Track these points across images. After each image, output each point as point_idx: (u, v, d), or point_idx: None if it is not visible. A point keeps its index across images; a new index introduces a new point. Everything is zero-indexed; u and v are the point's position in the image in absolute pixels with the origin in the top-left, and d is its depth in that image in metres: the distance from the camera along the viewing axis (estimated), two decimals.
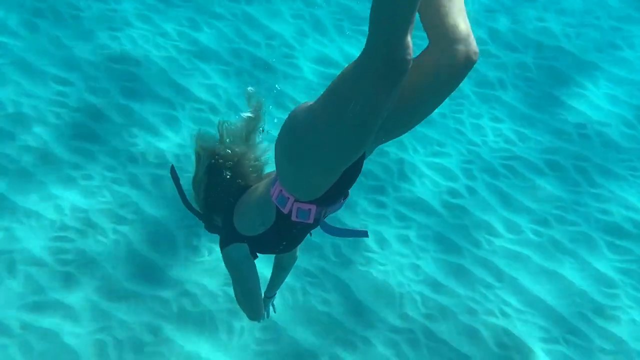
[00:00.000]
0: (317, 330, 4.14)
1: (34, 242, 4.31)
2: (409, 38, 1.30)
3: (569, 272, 4.79)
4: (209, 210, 2.10)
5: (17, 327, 3.85)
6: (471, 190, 5.30)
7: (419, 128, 2.83)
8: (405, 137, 5.76)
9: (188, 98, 5.61)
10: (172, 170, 2.09)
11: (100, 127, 5.15)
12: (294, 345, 4.01)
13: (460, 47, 1.46)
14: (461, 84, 1.59)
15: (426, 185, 5.47)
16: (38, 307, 4.00)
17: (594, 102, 6.27)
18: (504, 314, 4.44)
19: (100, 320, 3.98)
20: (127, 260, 4.32)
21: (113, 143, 5.07)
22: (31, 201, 4.54)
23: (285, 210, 1.73)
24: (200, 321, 4.06)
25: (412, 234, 5.01)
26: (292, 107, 3.56)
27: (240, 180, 2.01)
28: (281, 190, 1.71)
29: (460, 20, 1.47)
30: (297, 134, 1.53)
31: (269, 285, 2.69)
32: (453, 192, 5.31)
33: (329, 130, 1.45)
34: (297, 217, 1.72)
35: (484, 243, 5.01)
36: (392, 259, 4.78)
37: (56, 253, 4.29)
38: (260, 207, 1.84)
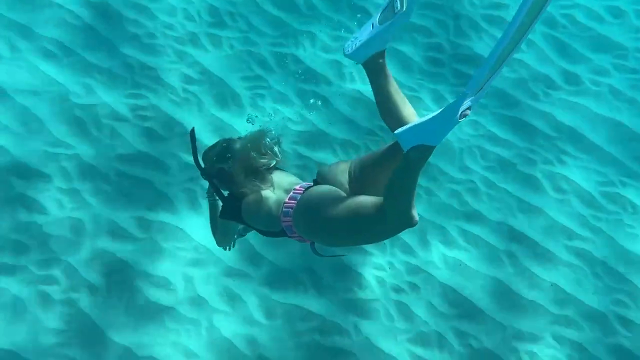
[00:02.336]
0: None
1: (113, 98, 4.56)
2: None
3: (627, 118, 4.82)
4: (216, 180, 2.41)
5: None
6: (529, 43, 5.22)
7: None
8: None
9: None
10: (192, 133, 2.43)
11: None
12: None
13: None
14: None
15: (484, 40, 5.38)
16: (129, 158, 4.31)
17: None
18: (562, 162, 4.59)
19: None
20: (200, 118, 4.58)
21: None
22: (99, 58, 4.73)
23: (289, 235, 2.19)
24: None
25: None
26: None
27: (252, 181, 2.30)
28: (291, 225, 2.13)
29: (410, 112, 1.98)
30: (317, 221, 2.02)
31: None
32: None
33: (341, 233, 2.00)
34: (295, 238, 2.18)
35: (541, 96, 5.03)
36: None
37: (134, 109, 4.55)
38: (270, 220, 2.21)
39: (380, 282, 3.74)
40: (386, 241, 4.05)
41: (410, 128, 1.65)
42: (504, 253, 4.01)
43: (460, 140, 4.67)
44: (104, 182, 4.05)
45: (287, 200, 2.19)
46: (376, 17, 1.98)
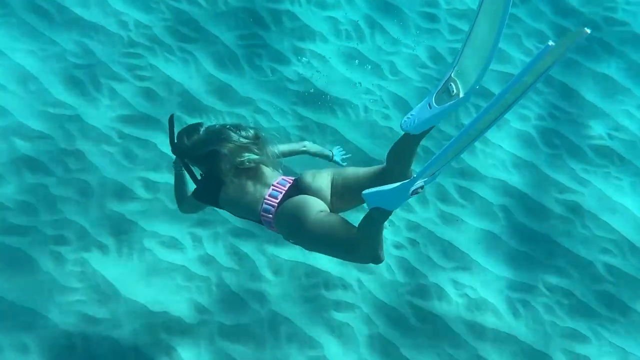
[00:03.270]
0: (381, 142, 4.50)
1: (110, 57, 4.54)
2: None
3: (615, 72, 4.94)
4: (193, 162, 2.57)
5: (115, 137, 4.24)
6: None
7: None
8: None
9: None
10: (171, 119, 2.61)
11: None
12: (362, 154, 4.39)
13: None
14: None
15: None
16: (130, 119, 4.33)
17: None
18: (554, 117, 4.72)
19: None
20: (198, 78, 4.58)
21: None
22: (95, 15, 4.70)
23: (266, 227, 2.46)
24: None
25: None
26: None
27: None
28: (271, 223, 2.39)
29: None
30: (300, 231, 2.31)
31: None
32: None
33: (319, 246, 2.38)
34: (272, 230, 2.46)
35: (534, 51, 5.10)
36: (444, 72, 4.95)
37: (132, 69, 4.53)
38: (249, 211, 2.45)
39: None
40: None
41: (375, 192, 1.98)
42: (499, 208, 4.17)
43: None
44: (107, 144, 4.09)
45: (267, 196, 2.40)
46: (432, 98, 2.15)
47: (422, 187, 1.94)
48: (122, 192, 3.86)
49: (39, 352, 3.21)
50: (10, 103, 4.05)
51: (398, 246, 3.88)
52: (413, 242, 3.93)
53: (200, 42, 4.75)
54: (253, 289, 3.56)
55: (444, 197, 4.21)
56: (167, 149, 3.76)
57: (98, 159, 3.97)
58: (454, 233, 4.00)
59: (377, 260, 2.24)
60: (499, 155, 4.50)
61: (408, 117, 2.19)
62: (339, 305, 3.52)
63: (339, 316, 3.51)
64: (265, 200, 2.40)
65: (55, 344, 3.25)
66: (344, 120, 4.56)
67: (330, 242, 2.28)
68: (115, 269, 3.53)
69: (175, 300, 3.47)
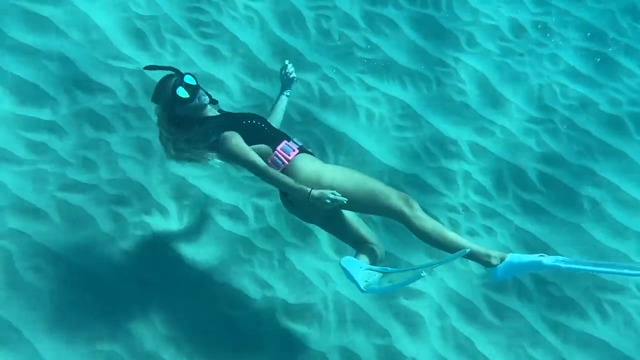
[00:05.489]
0: (455, 120, 4.20)
1: (174, 11, 4.32)
2: None
3: None
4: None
5: None
6: None
7: None
8: None
9: None
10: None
11: None
12: (434, 131, 4.10)
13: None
14: None
15: None
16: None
17: None
18: None
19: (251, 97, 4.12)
20: (263, 39, 4.35)
21: None
22: None
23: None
24: (341, 105, 4.14)
25: (550, 20, 4.71)
26: None
27: None
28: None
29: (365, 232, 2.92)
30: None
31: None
32: None
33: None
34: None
35: (628, 31, 4.68)
36: (528, 48, 4.59)
37: (197, 25, 4.30)
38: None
39: (455, 224, 3.64)
40: (459, 182, 3.91)
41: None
42: (584, 198, 3.87)
43: (540, 75, 4.40)
44: None
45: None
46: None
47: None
48: None
49: (94, 311, 3.06)
50: (72, 52, 3.87)
51: (472, 233, 3.61)
52: (489, 230, 3.67)
53: (266, 1, 4.46)
54: (317, 267, 3.36)
55: (524, 184, 3.91)
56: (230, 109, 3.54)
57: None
58: (535, 224, 3.71)
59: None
60: (586, 140, 4.15)
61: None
62: (408, 293, 3.31)
63: (409, 304, 3.31)
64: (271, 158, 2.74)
65: (110, 308, 3.09)
66: (413, 94, 4.27)
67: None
68: (177, 236, 3.35)
69: (236, 272, 3.30)
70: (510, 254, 2.40)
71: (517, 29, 4.68)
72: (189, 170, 3.59)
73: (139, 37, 4.16)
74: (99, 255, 3.21)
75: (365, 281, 2.46)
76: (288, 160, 2.72)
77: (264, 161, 2.63)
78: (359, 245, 2.79)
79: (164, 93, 2.75)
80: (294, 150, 2.76)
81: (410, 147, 4.00)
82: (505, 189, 3.90)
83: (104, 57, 3.98)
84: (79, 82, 3.81)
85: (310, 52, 4.31)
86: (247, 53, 4.21)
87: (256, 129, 2.80)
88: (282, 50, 4.29)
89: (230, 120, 2.81)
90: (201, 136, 2.74)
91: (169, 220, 3.45)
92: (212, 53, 4.18)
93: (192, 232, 3.42)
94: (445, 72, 4.40)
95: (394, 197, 2.53)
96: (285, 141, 2.75)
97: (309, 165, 2.71)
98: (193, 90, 2.77)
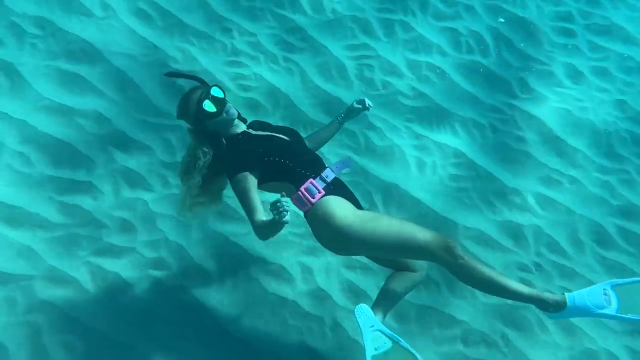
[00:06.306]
0: (516, 169, 3.86)
1: (214, 65, 4.19)
2: None
3: None
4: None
5: None
6: None
7: None
8: None
9: None
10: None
11: None
12: (494, 181, 3.76)
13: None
14: None
15: (621, 10, 4.71)
16: None
17: None
18: None
19: None
20: (303, 90, 4.16)
21: None
22: (197, 21, 4.38)
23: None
24: (390, 154, 3.87)
25: (610, 65, 4.41)
26: None
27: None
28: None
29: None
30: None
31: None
32: None
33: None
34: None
35: None
36: (590, 94, 4.28)
37: (236, 78, 4.17)
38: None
39: (528, 285, 3.20)
40: (529, 237, 3.52)
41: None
42: None
43: (606, 122, 4.06)
44: None
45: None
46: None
47: None
48: (224, 211, 3.40)
49: None
50: (109, 111, 3.70)
51: None
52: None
53: (306, 52, 4.32)
54: None
55: (603, 240, 3.49)
56: None
57: None
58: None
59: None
60: None
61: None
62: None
63: None
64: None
65: None
66: (467, 141, 3.96)
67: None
68: (218, 299, 3.02)
69: (284, 341, 2.92)
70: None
71: (575, 74, 4.40)
72: (231, 227, 3.30)
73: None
74: (136, 326, 2.88)
75: (375, 349, 2.27)
76: (311, 203, 2.44)
77: (288, 196, 2.35)
78: (400, 268, 2.64)
79: (189, 107, 2.51)
80: (319, 192, 2.46)
81: (468, 198, 3.65)
82: (582, 245, 3.49)
83: (142, 114, 3.82)
84: (116, 141, 3.63)
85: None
86: (289, 105, 4.01)
87: (279, 166, 2.51)
88: (324, 101, 4.08)
89: (251, 155, 2.51)
90: (214, 173, 2.58)
91: (210, 284, 3.14)
92: (253, 106, 4.00)
93: (235, 297, 3.10)
94: (500, 119, 4.10)
95: (429, 238, 2.26)
96: (311, 180, 2.47)
97: (334, 211, 2.42)
98: (220, 103, 2.49)
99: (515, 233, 3.52)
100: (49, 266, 3.07)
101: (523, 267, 3.38)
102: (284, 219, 2.11)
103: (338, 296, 3.19)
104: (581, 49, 4.58)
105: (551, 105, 4.21)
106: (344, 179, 2.73)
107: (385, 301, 2.57)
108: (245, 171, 2.44)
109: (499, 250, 3.45)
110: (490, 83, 4.32)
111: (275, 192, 2.58)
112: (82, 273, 3.06)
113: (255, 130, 2.69)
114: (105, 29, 4.15)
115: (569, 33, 4.70)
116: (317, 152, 2.82)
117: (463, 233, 3.47)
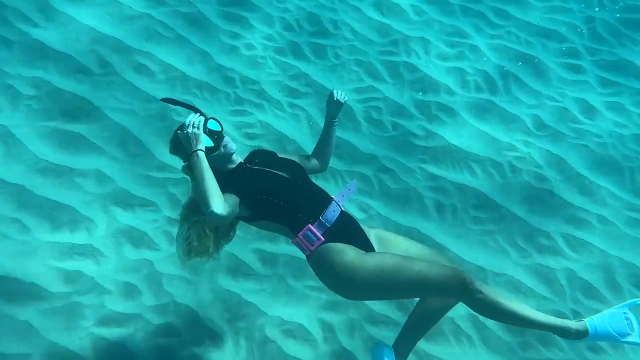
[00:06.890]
0: (540, 209, 3.67)
1: (217, 115, 4.06)
2: None
3: None
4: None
5: None
6: None
7: None
8: None
9: None
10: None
11: None
12: (518, 222, 3.59)
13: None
14: None
15: (628, 46, 4.67)
16: None
17: None
18: None
19: None
20: (311, 135, 4.02)
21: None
22: (198, 72, 4.28)
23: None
24: (405, 196, 3.69)
25: (625, 100, 4.31)
26: None
27: None
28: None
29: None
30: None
31: None
32: None
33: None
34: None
35: None
36: (607, 129, 4.15)
37: (241, 127, 4.03)
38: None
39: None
40: (563, 282, 3.30)
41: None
42: None
43: (627, 157, 3.90)
44: None
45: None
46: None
47: None
48: (236, 267, 3.19)
49: None
50: (109, 168, 3.52)
51: (593, 348, 2.92)
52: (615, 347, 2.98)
53: (311, 97, 4.21)
54: None
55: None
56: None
57: None
58: None
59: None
60: None
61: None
62: None
63: None
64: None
65: None
66: (485, 181, 3.78)
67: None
68: None
69: None
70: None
71: (589, 110, 4.28)
72: (243, 284, 3.06)
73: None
74: None
75: None
76: (310, 250, 2.27)
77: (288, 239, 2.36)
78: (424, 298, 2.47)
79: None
80: (318, 239, 2.26)
81: (494, 241, 3.45)
82: (620, 289, 3.26)
83: (145, 169, 3.62)
84: (118, 199, 3.43)
85: (364, 144, 3.95)
86: (297, 150, 3.84)
87: (274, 207, 2.30)
88: (335, 145, 3.90)
89: (249, 191, 2.30)
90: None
91: (224, 349, 2.89)
92: None
93: None
94: (517, 157, 3.94)
95: (441, 275, 2.09)
96: (309, 226, 2.27)
97: (334, 260, 2.23)
98: (218, 137, 2.32)
99: (547, 278, 3.29)
100: (48, 342, 2.80)
101: (560, 315, 3.13)
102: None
103: (363, 356, 2.93)
104: (592, 84, 4.49)
105: (569, 142, 4.08)
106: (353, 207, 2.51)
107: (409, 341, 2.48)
108: (233, 194, 2.22)
109: (532, 297, 3.22)
110: (502, 121, 4.21)
111: (272, 231, 2.40)
112: (84, 347, 2.79)
113: (253, 164, 2.47)
114: (105, 86, 4.02)
115: (576, 69, 4.62)
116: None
117: (492, 280, 3.24)
